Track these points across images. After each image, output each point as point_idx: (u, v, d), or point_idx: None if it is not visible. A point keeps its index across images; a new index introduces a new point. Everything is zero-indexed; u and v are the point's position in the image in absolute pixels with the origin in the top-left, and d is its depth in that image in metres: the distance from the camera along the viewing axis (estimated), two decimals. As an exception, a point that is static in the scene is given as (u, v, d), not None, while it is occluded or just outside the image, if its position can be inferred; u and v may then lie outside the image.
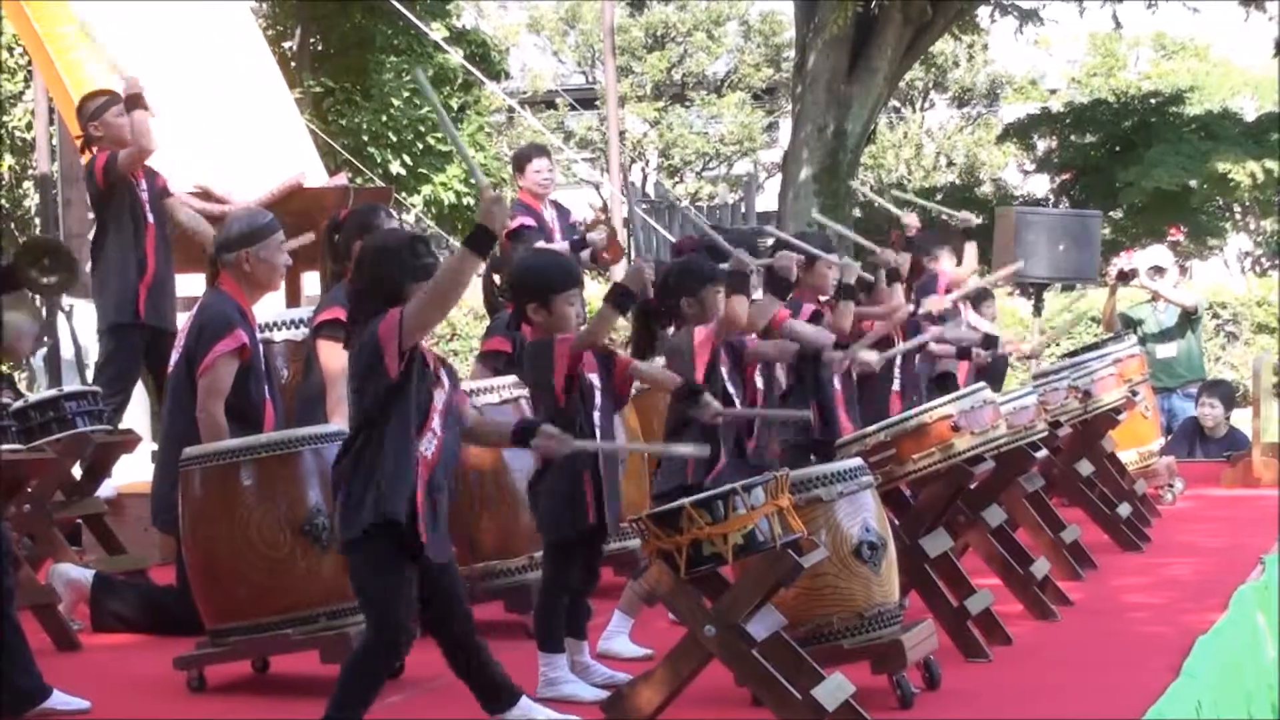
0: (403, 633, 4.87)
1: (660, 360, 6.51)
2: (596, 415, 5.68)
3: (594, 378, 5.69)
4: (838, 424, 7.22)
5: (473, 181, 21.56)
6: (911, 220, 8.64)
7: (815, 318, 7.40)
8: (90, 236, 11.84)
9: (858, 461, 5.68)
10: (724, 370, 6.26)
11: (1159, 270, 12.51)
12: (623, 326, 7.31)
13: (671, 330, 6.46)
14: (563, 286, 5.68)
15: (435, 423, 4.89)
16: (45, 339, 7.96)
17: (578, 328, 5.73)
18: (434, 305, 4.80)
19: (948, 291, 9.38)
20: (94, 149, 8.55)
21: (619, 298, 5.70)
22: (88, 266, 12.18)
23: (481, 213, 4.79)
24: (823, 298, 7.52)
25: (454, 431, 4.99)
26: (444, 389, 4.96)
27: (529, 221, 9.53)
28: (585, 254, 9.37)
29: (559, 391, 5.57)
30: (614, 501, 5.71)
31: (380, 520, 4.79)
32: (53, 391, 8.09)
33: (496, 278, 8.17)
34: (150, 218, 8.50)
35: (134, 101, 8.42)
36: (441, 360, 5.07)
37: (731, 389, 6.28)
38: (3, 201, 22.63)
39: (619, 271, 11.53)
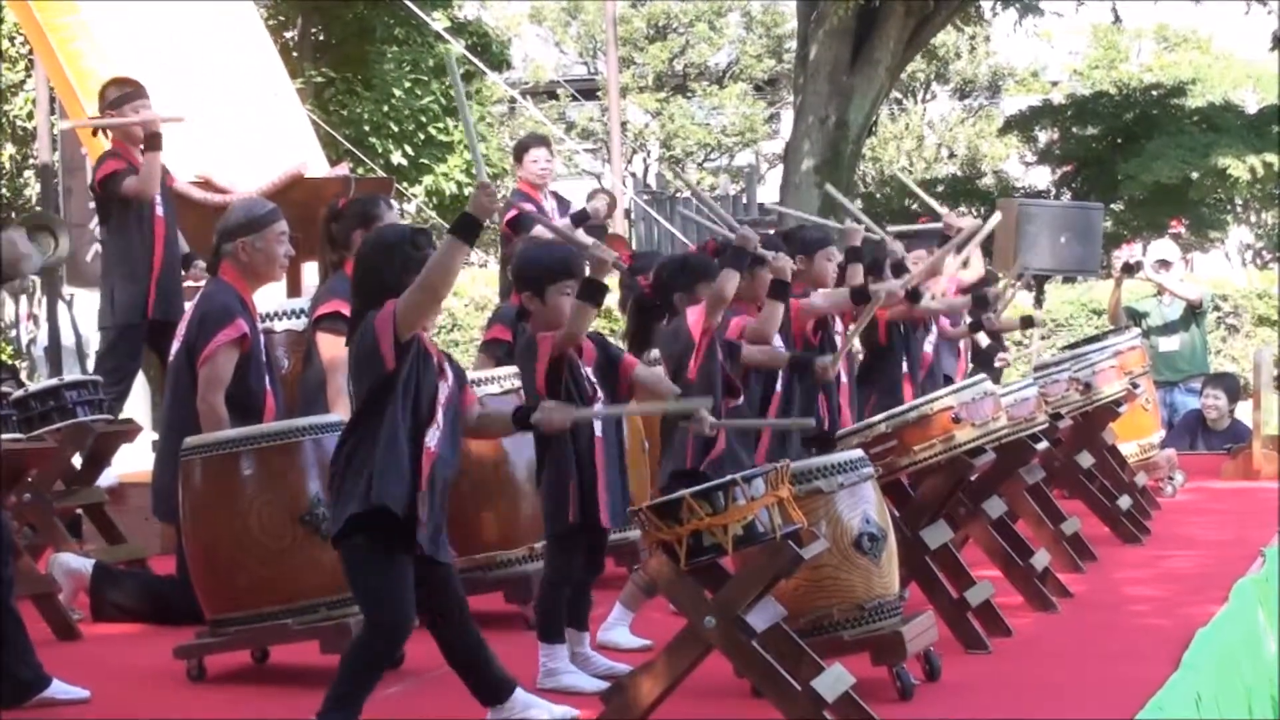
0: (400, 626, 4.86)
1: (655, 353, 6.48)
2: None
3: (590, 371, 5.66)
4: (840, 416, 7.21)
5: (474, 172, 21.55)
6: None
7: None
8: (91, 225, 11.83)
9: (858, 453, 5.67)
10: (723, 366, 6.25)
11: (1165, 264, 12.50)
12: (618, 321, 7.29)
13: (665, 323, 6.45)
14: (556, 277, 5.65)
15: (439, 416, 4.89)
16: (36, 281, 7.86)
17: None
18: (425, 295, 4.81)
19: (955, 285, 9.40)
20: (106, 135, 8.50)
21: (591, 291, 5.58)
22: (88, 256, 12.15)
23: (471, 201, 4.84)
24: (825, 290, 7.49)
25: (454, 428, 4.96)
26: (448, 382, 4.95)
27: (526, 206, 9.51)
28: (583, 234, 9.33)
29: (539, 388, 5.54)
30: (615, 493, 5.70)
31: (369, 510, 4.76)
32: (53, 381, 8.07)
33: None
34: (160, 210, 8.45)
35: (152, 141, 8.25)
36: (446, 355, 5.07)
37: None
38: (3, 190, 22.60)
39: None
